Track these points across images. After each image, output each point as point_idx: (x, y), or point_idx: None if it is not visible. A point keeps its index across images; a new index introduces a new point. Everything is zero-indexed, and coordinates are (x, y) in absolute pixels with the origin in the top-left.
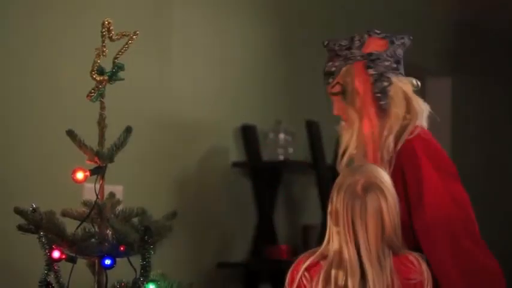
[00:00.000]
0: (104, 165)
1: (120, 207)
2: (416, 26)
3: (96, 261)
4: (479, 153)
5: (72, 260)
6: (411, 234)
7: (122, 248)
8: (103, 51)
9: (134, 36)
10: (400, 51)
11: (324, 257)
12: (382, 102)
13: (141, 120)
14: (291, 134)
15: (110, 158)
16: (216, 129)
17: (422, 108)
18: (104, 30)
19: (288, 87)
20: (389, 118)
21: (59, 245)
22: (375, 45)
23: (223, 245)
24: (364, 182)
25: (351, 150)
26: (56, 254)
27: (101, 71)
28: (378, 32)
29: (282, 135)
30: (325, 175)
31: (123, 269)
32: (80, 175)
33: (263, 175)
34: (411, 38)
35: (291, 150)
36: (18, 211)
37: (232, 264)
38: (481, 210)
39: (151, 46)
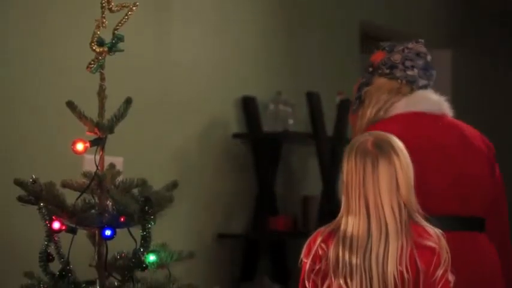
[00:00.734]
0: (104, 136)
1: (120, 178)
2: None
3: (97, 232)
4: (477, 125)
5: (72, 231)
6: None
7: (122, 219)
8: (103, 23)
9: (134, 8)
10: (397, 57)
11: (338, 227)
12: (353, 108)
13: (141, 92)
14: (291, 105)
15: (110, 129)
16: (217, 101)
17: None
18: (103, 1)
19: (288, 58)
20: (359, 119)
21: (59, 216)
22: (376, 57)
23: (224, 216)
24: (374, 139)
25: None
26: (56, 225)
27: (100, 42)
28: (382, 45)
29: (282, 107)
30: (325, 146)
31: (123, 239)
32: (80, 146)
33: (263, 146)
34: (420, 40)
35: (291, 121)
36: (18, 182)
37: (233, 235)
38: None
39: (151, 17)
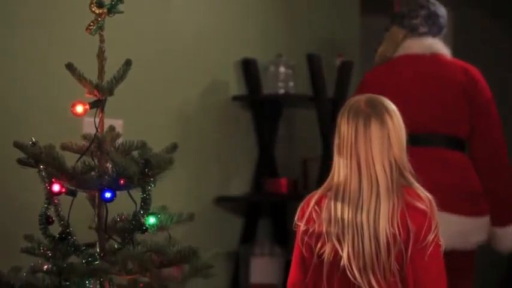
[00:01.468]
0: (104, 98)
1: (120, 141)
2: None
3: (96, 194)
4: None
5: (72, 193)
6: None
7: (122, 181)
8: None
9: None
10: (405, 8)
11: (330, 188)
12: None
13: (141, 54)
14: (292, 68)
15: (110, 91)
16: (217, 63)
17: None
18: None
19: (288, 20)
20: (376, 56)
21: (59, 179)
22: (396, 8)
23: (224, 178)
24: (367, 99)
25: None
26: (55, 187)
27: (100, 4)
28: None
29: (282, 69)
30: (325, 108)
31: (123, 202)
32: (79, 108)
33: (263, 108)
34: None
35: (291, 83)
36: (18, 145)
37: (233, 198)
38: None
39: None
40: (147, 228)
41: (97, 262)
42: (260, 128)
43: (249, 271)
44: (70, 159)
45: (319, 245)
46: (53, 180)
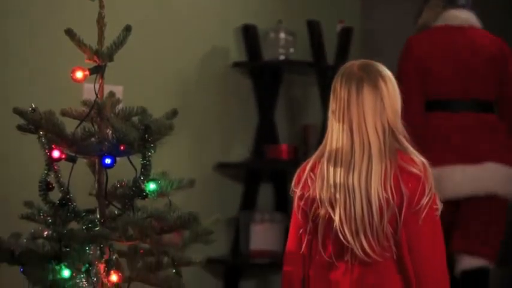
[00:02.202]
0: (104, 64)
1: (120, 107)
2: None
3: (96, 160)
4: None
5: (72, 159)
6: None
7: (122, 147)
8: None
9: None
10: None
11: (323, 155)
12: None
13: (141, 20)
14: (292, 34)
15: (110, 57)
16: (217, 30)
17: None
18: None
19: None
20: (417, 25)
21: (59, 145)
22: None
23: (224, 144)
24: (361, 63)
25: None
26: (55, 153)
27: None
28: None
29: (282, 35)
30: (326, 75)
31: (123, 168)
32: (79, 74)
33: (264, 75)
34: None
35: (292, 50)
36: (18, 111)
37: (233, 164)
38: None
39: None
40: (147, 194)
41: (97, 228)
42: (260, 95)
43: (249, 237)
44: (70, 125)
45: (313, 210)
46: (53, 146)
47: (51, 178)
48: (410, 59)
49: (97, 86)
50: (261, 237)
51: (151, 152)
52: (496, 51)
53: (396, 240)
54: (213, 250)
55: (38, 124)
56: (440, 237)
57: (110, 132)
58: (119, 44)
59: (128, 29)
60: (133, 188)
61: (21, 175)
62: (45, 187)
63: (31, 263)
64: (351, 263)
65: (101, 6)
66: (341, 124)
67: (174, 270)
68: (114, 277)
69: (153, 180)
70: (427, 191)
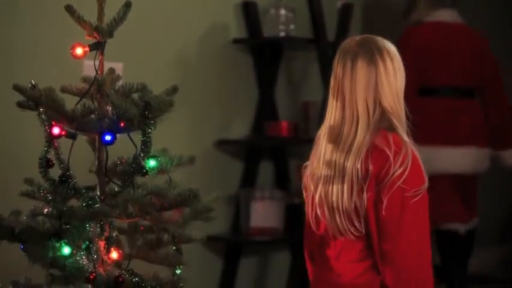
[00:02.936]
0: (104, 40)
1: (120, 83)
2: None
3: (96, 137)
4: None
5: (72, 136)
6: None
7: (122, 124)
8: None
9: None
10: None
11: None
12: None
13: None
14: (292, 10)
15: (109, 33)
16: (217, 6)
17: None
18: None
19: None
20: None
21: (59, 122)
22: None
23: (224, 121)
24: (360, 38)
25: None
26: (55, 130)
27: None
28: None
29: (283, 11)
30: (326, 51)
31: (123, 145)
32: (79, 50)
33: (264, 51)
34: None
35: (292, 26)
36: (17, 88)
37: (233, 141)
38: None
39: None
40: (147, 171)
41: (97, 205)
42: (260, 71)
43: (249, 215)
44: (70, 102)
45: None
46: (53, 123)
47: (51, 155)
48: (409, 48)
49: (97, 62)
50: (261, 214)
51: (151, 129)
52: (478, 46)
53: (365, 220)
54: (213, 227)
55: (38, 101)
56: (411, 220)
57: (110, 108)
58: (118, 20)
59: (127, 5)
60: (134, 165)
61: (21, 152)
62: (45, 164)
63: (31, 241)
64: (334, 240)
65: None
66: (335, 100)
67: (174, 248)
68: (114, 254)
69: (153, 157)
70: (391, 171)
